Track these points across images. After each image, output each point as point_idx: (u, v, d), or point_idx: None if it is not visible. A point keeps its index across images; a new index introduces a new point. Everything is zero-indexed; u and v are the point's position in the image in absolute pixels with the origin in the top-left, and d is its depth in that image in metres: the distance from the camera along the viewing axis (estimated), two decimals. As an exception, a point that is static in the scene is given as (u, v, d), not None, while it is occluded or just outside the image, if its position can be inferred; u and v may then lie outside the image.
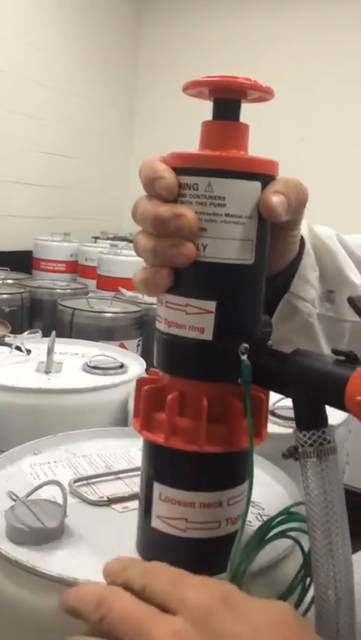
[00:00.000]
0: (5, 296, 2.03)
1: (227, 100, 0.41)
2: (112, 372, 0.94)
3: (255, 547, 0.39)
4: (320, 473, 0.36)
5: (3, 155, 2.88)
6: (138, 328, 1.77)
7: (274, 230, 0.43)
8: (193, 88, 0.40)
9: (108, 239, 3.39)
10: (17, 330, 1.90)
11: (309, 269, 0.50)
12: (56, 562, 0.43)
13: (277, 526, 0.40)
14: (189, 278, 0.40)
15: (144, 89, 3.64)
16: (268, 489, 0.58)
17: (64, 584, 0.40)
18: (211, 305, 0.40)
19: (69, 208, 3.37)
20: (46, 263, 3.01)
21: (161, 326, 0.42)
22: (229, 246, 0.39)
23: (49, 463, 0.60)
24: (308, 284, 0.51)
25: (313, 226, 0.53)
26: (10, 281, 2.29)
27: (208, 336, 0.40)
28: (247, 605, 0.33)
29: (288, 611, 0.33)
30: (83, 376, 0.93)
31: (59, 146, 3.24)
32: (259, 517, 0.52)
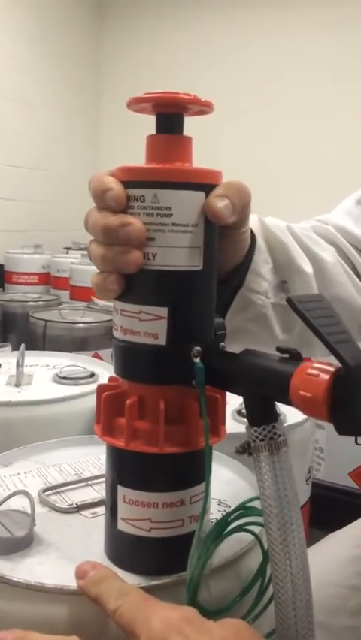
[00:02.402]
0: (-21, 310, 2.03)
1: (169, 114, 0.42)
2: (82, 381, 0.95)
3: (213, 542, 0.40)
4: (273, 465, 0.38)
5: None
6: (112, 337, 1.78)
7: (223, 231, 0.45)
8: (136, 104, 0.42)
9: (80, 249, 3.39)
10: (-10, 344, 1.90)
11: (261, 263, 0.52)
12: (24, 569, 0.44)
13: (235, 520, 0.41)
14: (141, 286, 0.42)
15: (108, 97, 3.65)
16: (235, 486, 0.59)
17: (31, 589, 0.41)
18: (163, 311, 0.41)
19: (40, 220, 3.37)
20: (18, 276, 3.00)
21: (117, 334, 0.44)
22: (177, 253, 0.41)
23: (19, 474, 0.61)
24: (261, 277, 0.53)
25: (264, 219, 0.55)
26: (-20, 295, 2.29)
27: (162, 341, 0.41)
28: (205, 624, 0.35)
29: (242, 625, 0.36)
30: (54, 387, 0.94)
31: (27, 159, 3.24)
32: (224, 513, 0.54)
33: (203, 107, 0.42)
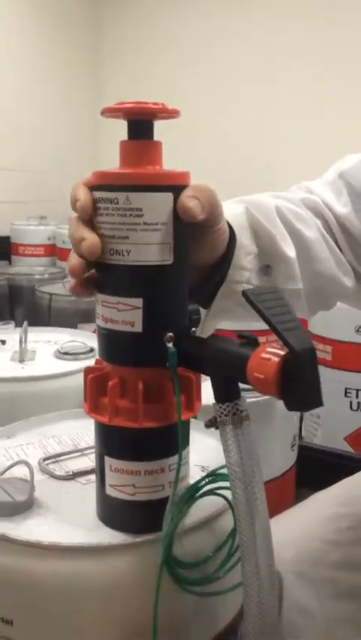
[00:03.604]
0: (-14, 284, 2.09)
1: (139, 121, 0.46)
2: (82, 356, 1.01)
3: (185, 503, 0.46)
4: (236, 437, 0.43)
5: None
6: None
7: (199, 230, 0.49)
8: (110, 113, 0.46)
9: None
10: (-2, 317, 1.95)
11: (243, 257, 0.56)
12: (25, 529, 0.50)
13: (207, 485, 0.47)
14: (118, 279, 0.46)
15: (109, 61, 3.62)
16: (219, 454, 0.65)
17: (30, 546, 0.47)
18: (138, 302, 0.46)
19: (44, 190, 3.37)
20: (24, 247, 3.04)
21: (99, 322, 0.49)
22: (149, 250, 0.45)
23: (21, 445, 0.67)
24: (242, 269, 0.57)
25: (253, 203, 0.59)
26: (-12, 268, 2.34)
27: (138, 328, 0.46)
28: None
29: None
30: (55, 363, 0.99)
31: (28, 128, 3.23)
32: (207, 480, 0.59)
33: (171, 115, 0.46)
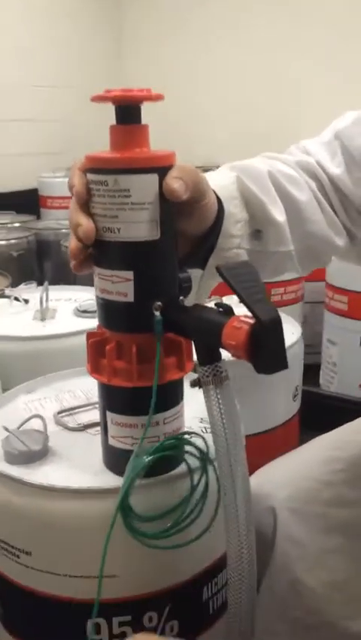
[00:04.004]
0: (13, 241, 2.13)
1: (126, 107, 0.50)
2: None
3: (149, 456, 0.52)
4: (217, 395, 0.49)
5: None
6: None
7: (186, 205, 0.53)
8: (100, 100, 0.50)
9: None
10: (28, 272, 2.02)
11: (231, 225, 0.60)
12: (40, 475, 0.57)
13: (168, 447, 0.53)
14: (111, 254, 0.51)
15: (131, 7, 3.54)
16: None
17: (45, 489, 0.54)
18: (130, 274, 0.51)
19: (70, 141, 3.37)
20: (52, 200, 3.07)
21: (97, 293, 0.54)
22: (138, 227, 0.50)
23: (39, 399, 0.74)
24: (232, 237, 0.61)
25: (243, 176, 0.62)
26: (16, 224, 2.39)
27: (130, 298, 0.51)
28: None
29: None
30: (75, 321, 1.05)
31: (51, 77, 3.21)
32: (204, 429, 0.65)
33: (155, 100, 0.49)
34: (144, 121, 0.51)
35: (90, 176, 0.50)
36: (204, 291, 0.61)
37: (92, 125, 3.41)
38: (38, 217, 2.90)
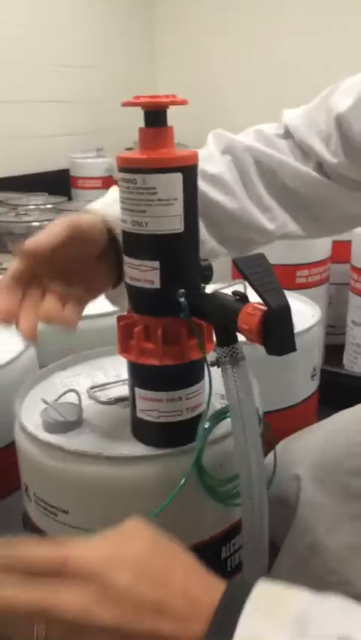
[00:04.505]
0: (46, 222, 2.20)
1: (154, 111, 0.55)
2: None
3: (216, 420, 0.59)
4: (233, 374, 0.54)
5: (25, 74, 2.93)
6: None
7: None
8: (130, 105, 0.55)
9: (142, 149, 3.45)
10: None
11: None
12: (76, 442, 0.64)
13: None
14: (139, 246, 0.56)
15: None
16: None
17: (79, 455, 0.61)
18: (156, 264, 0.56)
19: (99, 121, 3.41)
20: (83, 180, 3.12)
21: (127, 280, 0.59)
22: (163, 221, 0.55)
23: (74, 376, 0.80)
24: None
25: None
26: (49, 206, 2.45)
27: (157, 285, 0.57)
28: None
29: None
30: (104, 302, 1.10)
31: (81, 58, 3.23)
32: (223, 405, 0.70)
33: (180, 105, 0.54)
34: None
35: (121, 175, 0.56)
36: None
37: (120, 106, 3.46)
38: (69, 197, 2.96)
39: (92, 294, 0.62)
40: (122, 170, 0.55)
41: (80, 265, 0.59)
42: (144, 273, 0.57)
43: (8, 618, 0.38)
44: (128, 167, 0.55)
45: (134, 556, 0.40)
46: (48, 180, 2.96)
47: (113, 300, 0.67)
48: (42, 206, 2.37)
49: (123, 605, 0.37)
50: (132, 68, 3.57)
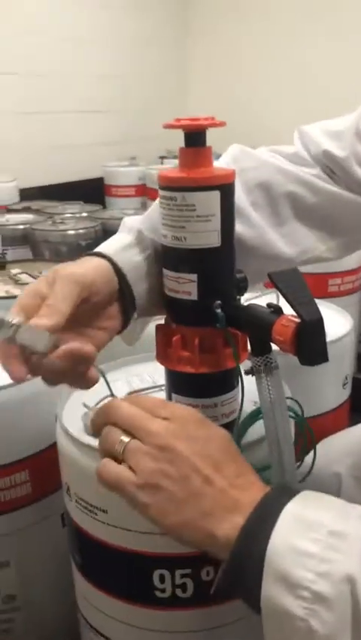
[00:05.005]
0: (81, 230, 2.25)
1: (193, 133, 0.58)
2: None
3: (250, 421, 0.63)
4: (267, 383, 0.57)
5: (60, 85, 3.00)
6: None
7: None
8: (171, 127, 0.58)
9: (175, 157, 3.50)
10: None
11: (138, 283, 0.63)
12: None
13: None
14: (178, 259, 0.60)
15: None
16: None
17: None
18: (194, 276, 0.59)
19: (133, 130, 3.47)
20: (117, 189, 3.18)
21: (166, 291, 0.62)
22: (201, 236, 0.58)
23: (112, 381, 0.83)
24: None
25: (145, 232, 0.63)
26: (84, 214, 2.51)
27: (194, 297, 0.60)
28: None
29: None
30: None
31: (115, 67, 3.28)
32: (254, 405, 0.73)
33: (218, 126, 0.57)
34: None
35: (162, 192, 0.59)
36: (139, 330, 0.67)
37: (153, 115, 3.50)
38: (103, 205, 3.02)
39: (106, 336, 0.62)
40: (163, 188, 0.58)
41: (89, 314, 0.58)
42: (182, 285, 0.60)
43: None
44: (169, 185, 0.58)
45: (218, 431, 0.53)
46: (83, 189, 3.03)
47: (125, 339, 0.67)
48: (77, 215, 2.43)
49: (196, 448, 0.50)
50: (165, 78, 3.62)
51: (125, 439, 0.51)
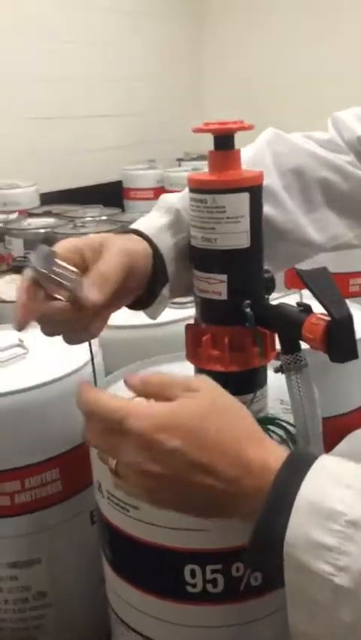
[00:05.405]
0: (101, 234, 2.28)
1: (222, 136, 0.59)
2: (190, 305, 1.16)
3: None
4: (297, 380, 0.58)
5: (78, 90, 3.03)
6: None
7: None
8: (200, 132, 0.59)
9: (192, 159, 3.52)
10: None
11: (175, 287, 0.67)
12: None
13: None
14: (208, 260, 0.61)
15: (212, 3, 3.60)
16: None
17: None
18: (224, 277, 0.60)
19: (150, 133, 3.49)
20: (135, 192, 3.20)
21: (196, 291, 0.64)
22: (231, 237, 0.59)
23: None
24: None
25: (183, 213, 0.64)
26: (104, 217, 2.53)
27: (224, 297, 0.61)
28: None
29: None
30: (167, 312, 1.15)
31: (130, 71, 3.31)
32: (285, 410, 0.74)
33: (247, 130, 0.58)
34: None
35: (192, 195, 0.60)
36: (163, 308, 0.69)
37: (170, 118, 3.53)
38: (122, 208, 3.05)
39: (117, 307, 0.62)
40: (193, 190, 0.60)
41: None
42: (212, 285, 0.61)
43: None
44: (199, 187, 0.59)
45: (187, 423, 0.46)
46: (102, 192, 3.05)
47: (149, 314, 0.69)
48: (97, 218, 2.45)
49: (172, 463, 0.45)
50: (181, 81, 3.64)
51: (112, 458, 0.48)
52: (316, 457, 0.45)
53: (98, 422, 0.48)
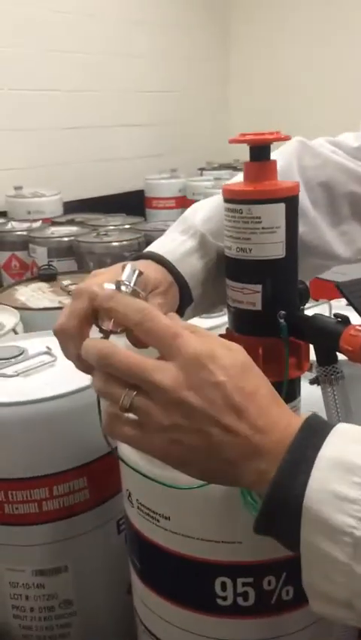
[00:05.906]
0: (125, 242, 2.29)
1: (258, 147, 0.59)
2: (215, 315, 1.16)
3: None
4: (333, 392, 0.57)
5: (102, 100, 3.07)
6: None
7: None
8: (237, 142, 0.59)
9: (214, 169, 3.54)
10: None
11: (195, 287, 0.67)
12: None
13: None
14: (243, 270, 0.61)
15: (239, 11, 3.62)
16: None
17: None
18: (258, 287, 0.60)
19: (173, 143, 3.52)
20: (157, 201, 3.23)
21: (230, 302, 0.64)
22: (266, 247, 0.59)
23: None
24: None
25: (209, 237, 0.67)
26: (126, 226, 2.55)
27: (258, 307, 0.61)
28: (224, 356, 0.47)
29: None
30: (195, 321, 1.15)
31: (155, 82, 3.35)
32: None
33: (283, 141, 0.58)
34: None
35: (227, 205, 0.60)
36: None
37: (194, 128, 3.55)
38: (144, 217, 3.07)
39: None
40: (228, 200, 0.60)
41: None
42: (246, 295, 0.61)
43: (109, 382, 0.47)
44: (235, 198, 0.59)
45: (234, 363, 0.47)
46: (124, 201, 3.08)
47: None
48: (120, 227, 2.46)
49: (211, 395, 0.45)
50: (205, 92, 3.66)
51: (131, 391, 0.46)
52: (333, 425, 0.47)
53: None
